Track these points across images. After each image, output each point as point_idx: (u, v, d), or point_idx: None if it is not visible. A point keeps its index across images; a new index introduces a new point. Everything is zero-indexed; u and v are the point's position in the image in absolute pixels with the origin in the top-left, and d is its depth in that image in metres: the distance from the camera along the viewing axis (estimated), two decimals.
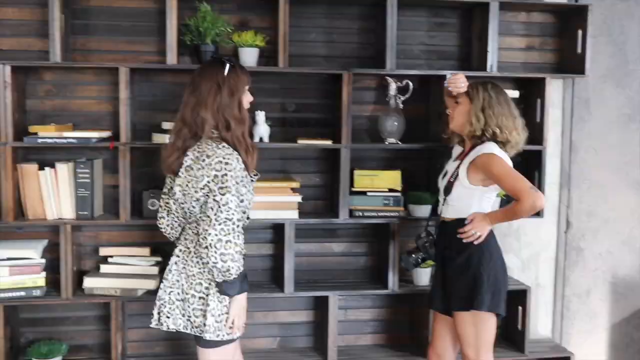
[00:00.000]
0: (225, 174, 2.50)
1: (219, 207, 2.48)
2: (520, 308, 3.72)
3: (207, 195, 2.53)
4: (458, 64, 3.75)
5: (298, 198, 3.46)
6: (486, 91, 2.98)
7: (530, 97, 3.71)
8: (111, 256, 3.45)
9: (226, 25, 3.38)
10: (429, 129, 3.68)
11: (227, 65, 2.63)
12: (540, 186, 3.61)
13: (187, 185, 2.58)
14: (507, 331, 3.89)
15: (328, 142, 3.45)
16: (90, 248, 3.52)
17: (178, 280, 2.69)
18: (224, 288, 2.56)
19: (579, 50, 3.66)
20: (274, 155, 3.61)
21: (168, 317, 2.69)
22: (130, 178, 3.31)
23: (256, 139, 3.40)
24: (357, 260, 3.73)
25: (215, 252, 2.47)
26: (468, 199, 2.96)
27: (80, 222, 3.30)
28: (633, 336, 4.16)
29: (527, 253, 3.97)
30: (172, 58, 3.28)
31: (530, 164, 3.72)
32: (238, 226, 2.53)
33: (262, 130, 3.41)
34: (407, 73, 3.50)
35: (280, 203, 3.43)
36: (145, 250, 3.46)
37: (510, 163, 2.93)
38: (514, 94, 3.65)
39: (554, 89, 3.87)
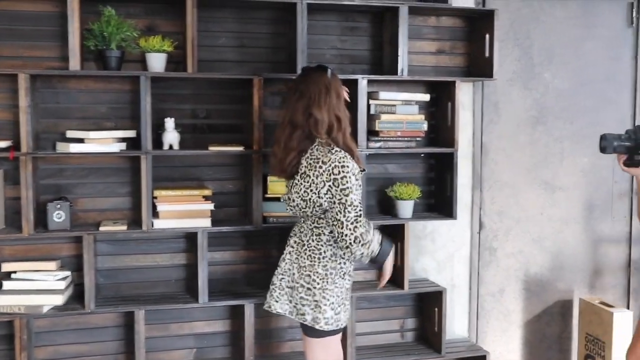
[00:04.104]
0: (344, 176, 2.71)
1: (345, 208, 2.70)
2: (436, 309, 3.76)
3: (331, 200, 2.74)
4: (370, 68, 3.76)
5: (210, 206, 3.39)
6: None
7: (441, 100, 3.76)
8: (14, 272, 3.29)
9: (132, 29, 3.28)
10: None
11: (329, 70, 2.88)
12: (452, 188, 3.66)
13: (305, 192, 2.80)
14: (424, 333, 3.93)
15: (240, 148, 3.40)
16: None
17: (290, 269, 2.92)
18: (375, 263, 2.87)
19: (487, 54, 3.73)
20: (185, 162, 3.53)
21: (276, 302, 2.96)
22: (34, 189, 3.18)
23: (165, 147, 3.32)
24: (273, 267, 3.67)
25: (358, 247, 2.72)
26: None
27: None
28: (545, 332, 4.27)
29: (442, 255, 4.02)
30: (75, 64, 3.16)
31: (442, 166, 3.78)
32: (362, 216, 2.75)
33: (172, 137, 3.33)
34: None
35: (192, 211, 3.36)
36: (52, 265, 3.32)
37: None
38: (424, 97, 3.70)
39: (464, 92, 3.94)
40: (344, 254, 2.79)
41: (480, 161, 4.04)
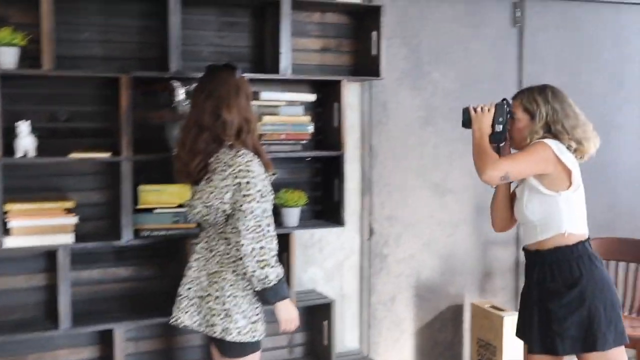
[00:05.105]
0: (248, 182, 2.51)
1: (245, 216, 2.49)
2: (325, 322, 3.56)
3: (234, 206, 2.52)
4: (251, 67, 3.51)
5: (73, 219, 3.03)
6: (548, 103, 2.62)
7: (328, 100, 3.56)
8: None
9: None
10: None
11: (239, 70, 2.71)
12: (340, 194, 3.48)
13: (207, 197, 2.57)
14: (313, 347, 3.73)
15: (106, 155, 3.05)
16: None
17: (198, 277, 2.67)
18: (265, 296, 2.55)
19: (374, 52, 3.56)
20: (44, 171, 3.14)
21: (185, 313, 2.67)
22: None
23: (19, 154, 2.93)
24: (148, 285, 3.36)
25: (251, 261, 2.49)
26: (549, 209, 2.61)
27: None
28: (437, 339, 4.16)
29: (330, 263, 3.82)
30: None
31: (329, 170, 3.58)
32: (269, 231, 2.53)
33: (27, 142, 2.94)
34: (195, 76, 3.18)
35: (52, 226, 2.98)
36: None
37: (569, 163, 2.57)
38: (310, 98, 3.49)
39: (352, 92, 3.76)
40: (237, 265, 2.55)
41: (370, 164, 3.88)
